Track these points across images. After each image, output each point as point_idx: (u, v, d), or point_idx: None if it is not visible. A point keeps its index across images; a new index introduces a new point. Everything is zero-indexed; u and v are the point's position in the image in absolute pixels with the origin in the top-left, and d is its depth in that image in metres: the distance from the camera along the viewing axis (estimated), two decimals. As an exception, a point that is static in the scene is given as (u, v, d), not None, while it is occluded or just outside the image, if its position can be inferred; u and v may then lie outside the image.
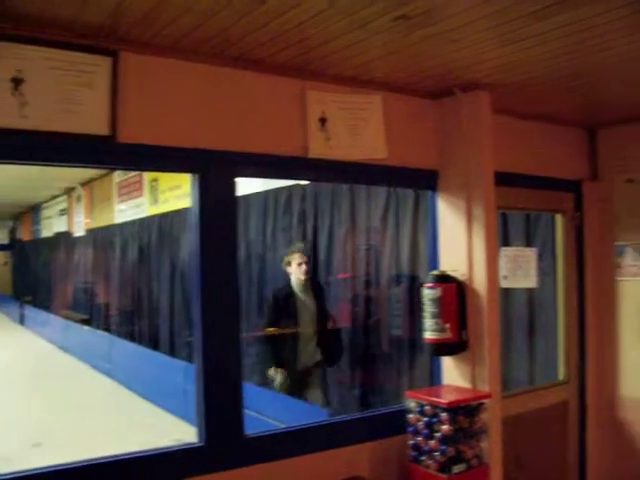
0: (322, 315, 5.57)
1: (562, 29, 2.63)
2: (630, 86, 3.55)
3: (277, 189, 6.64)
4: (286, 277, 5.60)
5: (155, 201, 9.46)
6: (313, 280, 5.75)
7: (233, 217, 3.00)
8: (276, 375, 5.37)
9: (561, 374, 4.39)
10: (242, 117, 2.96)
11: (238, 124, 2.95)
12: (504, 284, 4.06)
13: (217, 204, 2.92)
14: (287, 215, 6.53)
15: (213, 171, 2.90)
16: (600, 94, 3.80)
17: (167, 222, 9.33)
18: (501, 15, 2.48)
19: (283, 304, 5.47)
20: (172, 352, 8.96)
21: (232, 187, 2.97)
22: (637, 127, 4.33)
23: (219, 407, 2.91)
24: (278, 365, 5.38)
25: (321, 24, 2.55)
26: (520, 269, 4.17)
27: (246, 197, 7.11)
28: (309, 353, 5.44)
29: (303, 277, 5.48)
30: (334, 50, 2.87)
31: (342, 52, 2.89)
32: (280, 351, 5.39)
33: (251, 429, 3.05)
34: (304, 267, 5.42)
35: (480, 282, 3.42)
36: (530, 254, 4.24)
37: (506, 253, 4.12)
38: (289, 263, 5.48)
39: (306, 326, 5.47)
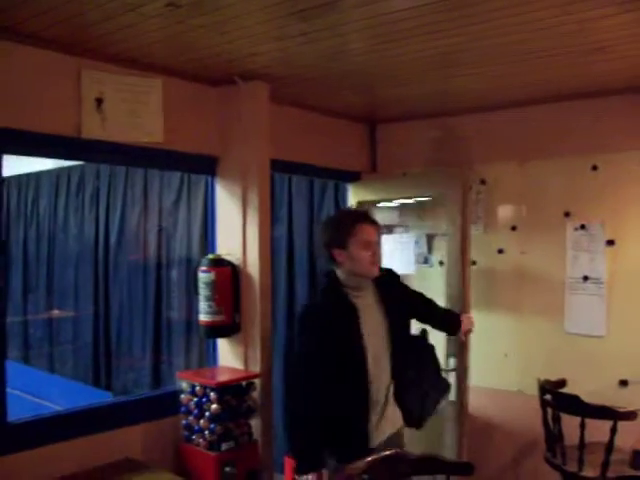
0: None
1: (325, 31, 2.78)
2: (402, 87, 3.81)
3: (70, 167, 6.38)
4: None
5: None
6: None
7: (-3, 196, 2.86)
8: None
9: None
10: (7, 92, 2.81)
11: (2, 99, 2.80)
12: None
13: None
14: (80, 194, 6.30)
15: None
16: (377, 93, 4.06)
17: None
18: (268, 12, 2.58)
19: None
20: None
21: (-5, 164, 2.83)
22: (409, 125, 4.68)
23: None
24: None
25: (93, 2, 2.50)
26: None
27: (35, 175, 6.80)
28: None
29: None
30: (110, 30, 2.82)
31: (118, 33, 2.85)
32: None
33: (24, 414, 2.98)
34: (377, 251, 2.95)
35: (253, 266, 3.53)
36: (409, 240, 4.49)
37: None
38: (346, 240, 2.85)
39: None
